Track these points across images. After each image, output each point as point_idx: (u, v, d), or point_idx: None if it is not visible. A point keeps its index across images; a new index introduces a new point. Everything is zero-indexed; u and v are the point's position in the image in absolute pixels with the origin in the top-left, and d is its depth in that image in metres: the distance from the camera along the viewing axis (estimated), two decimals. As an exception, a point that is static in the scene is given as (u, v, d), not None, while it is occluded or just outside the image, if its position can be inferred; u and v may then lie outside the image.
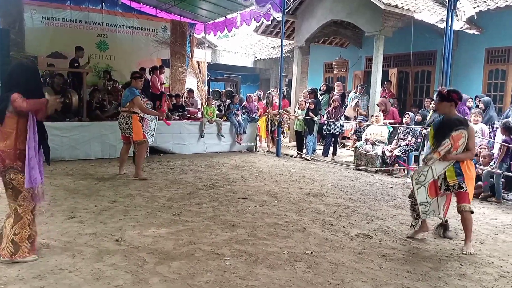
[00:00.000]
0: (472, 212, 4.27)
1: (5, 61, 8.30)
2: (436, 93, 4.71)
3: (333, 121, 9.87)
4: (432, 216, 4.48)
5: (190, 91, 12.23)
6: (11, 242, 3.36)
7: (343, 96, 11.58)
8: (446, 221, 4.59)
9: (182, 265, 3.48)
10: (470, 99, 8.91)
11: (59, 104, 3.51)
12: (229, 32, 13.62)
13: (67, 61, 10.49)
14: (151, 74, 11.32)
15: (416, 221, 4.54)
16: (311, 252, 3.90)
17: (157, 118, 8.17)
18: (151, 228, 4.40)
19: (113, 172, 7.35)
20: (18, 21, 10.48)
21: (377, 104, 9.92)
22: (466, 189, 4.22)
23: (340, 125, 10.02)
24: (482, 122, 8.02)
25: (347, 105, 11.72)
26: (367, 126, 9.41)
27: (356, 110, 11.26)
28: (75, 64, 10.05)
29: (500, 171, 6.31)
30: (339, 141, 10.96)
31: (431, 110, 8.40)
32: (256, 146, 11.07)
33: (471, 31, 10.36)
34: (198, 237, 4.16)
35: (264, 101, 11.94)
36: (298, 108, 10.45)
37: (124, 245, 3.90)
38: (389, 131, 9.04)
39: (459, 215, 4.31)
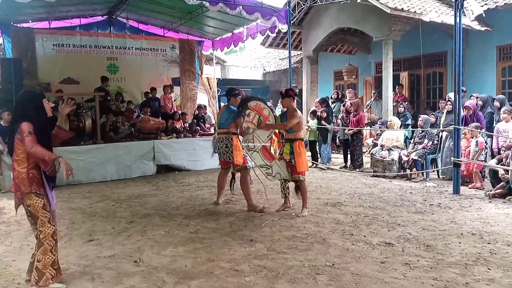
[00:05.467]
0: (303, 180, 5.49)
1: (18, 90, 8.46)
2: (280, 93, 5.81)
3: (346, 128, 9.77)
4: (279, 178, 5.59)
5: (203, 107, 12.25)
6: (35, 269, 3.34)
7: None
8: (295, 180, 5.53)
9: (202, 284, 3.43)
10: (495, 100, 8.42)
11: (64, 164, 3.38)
12: (235, 47, 13.68)
13: (79, 86, 10.69)
14: (162, 94, 11.48)
15: (285, 194, 5.69)
16: (333, 264, 3.81)
17: None
18: (169, 247, 4.37)
19: (129, 193, 7.36)
20: (30, 50, 10.76)
21: (350, 103, 9.81)
22: (295, 162, 5.37)
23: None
24: (498, 120, 7.87)
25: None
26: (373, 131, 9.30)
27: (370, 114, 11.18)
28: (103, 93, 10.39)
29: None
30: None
31: (445, 111, 8.25)
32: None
33: (482, 28, 10.21)
34: (216, 254, 4.12)
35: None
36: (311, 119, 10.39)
37: (143, 265, 3.87)
38: (404, 135, 8.92)
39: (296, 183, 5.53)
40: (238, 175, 6.02)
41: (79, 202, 6.64)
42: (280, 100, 5.78)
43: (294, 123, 5.44)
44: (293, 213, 5.61)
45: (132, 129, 9.72)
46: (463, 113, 7.57)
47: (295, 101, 5.68)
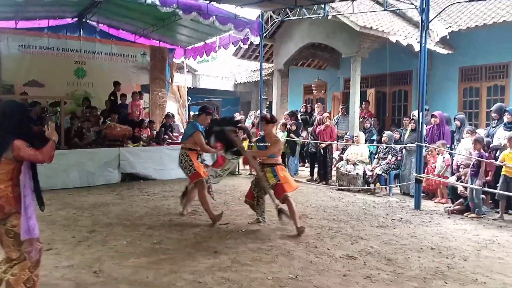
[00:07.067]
0: (289, 197, 5.30)
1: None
2: (262, 118, 5.97)
3: (317, 142, 9.89)
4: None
5: (171, 116, 12.12)
6: (6, 282, 3.04)
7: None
8: (284, 199, 5.38)
9: (163, 296, 3.38)
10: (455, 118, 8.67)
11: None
12: (207, 56, 13.66)
13: (44, 89, 10.43)
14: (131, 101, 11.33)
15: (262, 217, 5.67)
16: (296, 277, 3.83)
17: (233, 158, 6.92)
18: (131, 258, 4.28)
19: (92, 201, 7.17)
20: (-6, 50, 10.39)
21: (327, 116, 10.07)
22: (281, 182, 5.36)
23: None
24: (458, 139, 8.17)
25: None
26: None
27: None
28: (111, 98, 10.95)
29: (479, 187, 6.38)
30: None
31: (409, 129, 8.50)
32: (238, 169, 10.98)
33: (445, 51, 10.66)
34: (179, 266, 4.06)
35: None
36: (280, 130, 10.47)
37: (103, 276, 3.77)
38: (369, 151, 9.12)
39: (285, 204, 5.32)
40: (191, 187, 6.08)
41: (38, 210, 6.34)
42: (263, 125, 5.73)
43: (277, 149, 5.57)
44: (258, 225, 5.61)
45: (98, 136, 9.51)
46: (428, 125, 7.88)
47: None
